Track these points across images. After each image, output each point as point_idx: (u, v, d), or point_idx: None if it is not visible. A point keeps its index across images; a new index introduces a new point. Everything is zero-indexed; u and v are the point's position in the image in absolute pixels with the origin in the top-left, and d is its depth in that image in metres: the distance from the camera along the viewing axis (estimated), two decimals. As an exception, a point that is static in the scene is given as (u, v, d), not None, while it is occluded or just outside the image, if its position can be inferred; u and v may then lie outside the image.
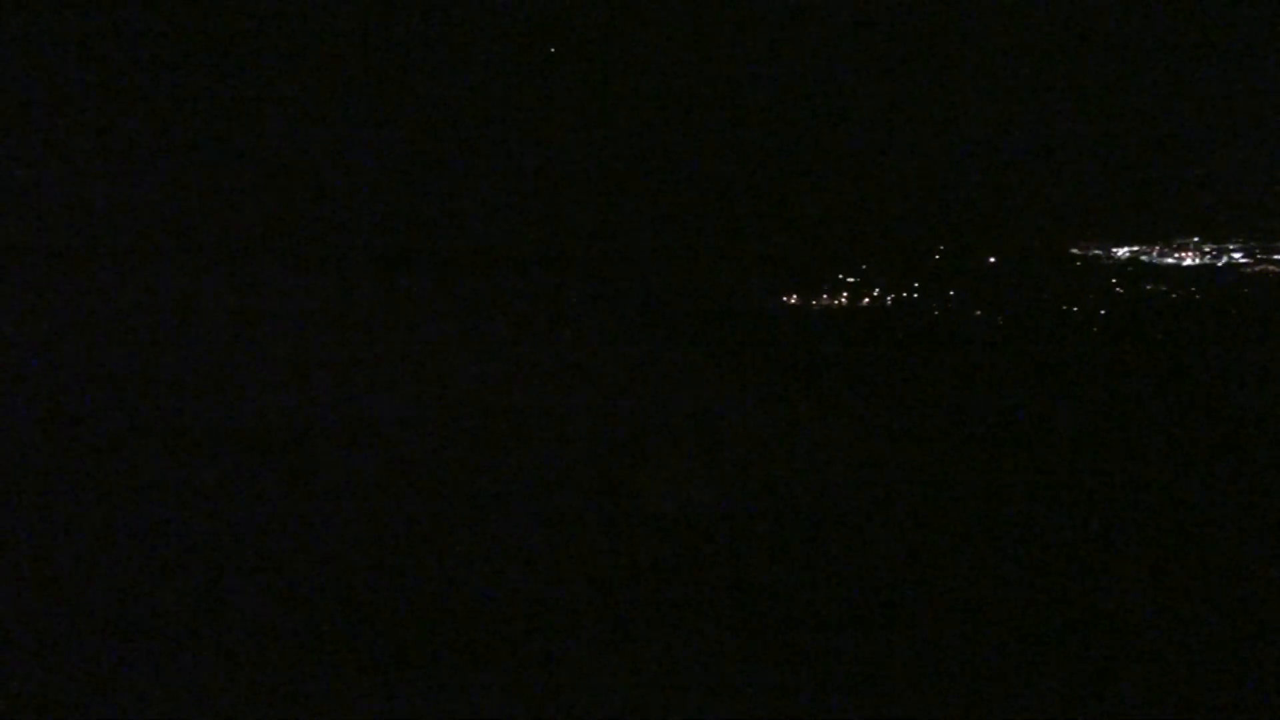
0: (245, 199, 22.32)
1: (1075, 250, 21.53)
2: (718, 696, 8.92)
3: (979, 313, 19.28)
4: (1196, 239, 21.20)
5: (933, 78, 25.55)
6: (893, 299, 19.49)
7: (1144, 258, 21.03)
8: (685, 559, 10.95)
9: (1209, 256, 20.89)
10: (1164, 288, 19.76)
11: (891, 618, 9.96)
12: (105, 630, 9.38)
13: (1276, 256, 20.84)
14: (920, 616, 9.99)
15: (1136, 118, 24.44)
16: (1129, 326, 18.73)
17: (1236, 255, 20.74)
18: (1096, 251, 21.38)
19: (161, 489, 11.92)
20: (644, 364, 16.78)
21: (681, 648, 9.49)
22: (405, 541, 11.21)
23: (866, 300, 19.45)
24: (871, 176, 24.19)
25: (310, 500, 11.84)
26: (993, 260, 21.54)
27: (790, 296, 19.52)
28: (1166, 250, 21.09)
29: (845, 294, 19.56)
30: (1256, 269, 20.49)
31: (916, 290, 19.74)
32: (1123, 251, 21.23)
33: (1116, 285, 19.94)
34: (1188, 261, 20.87)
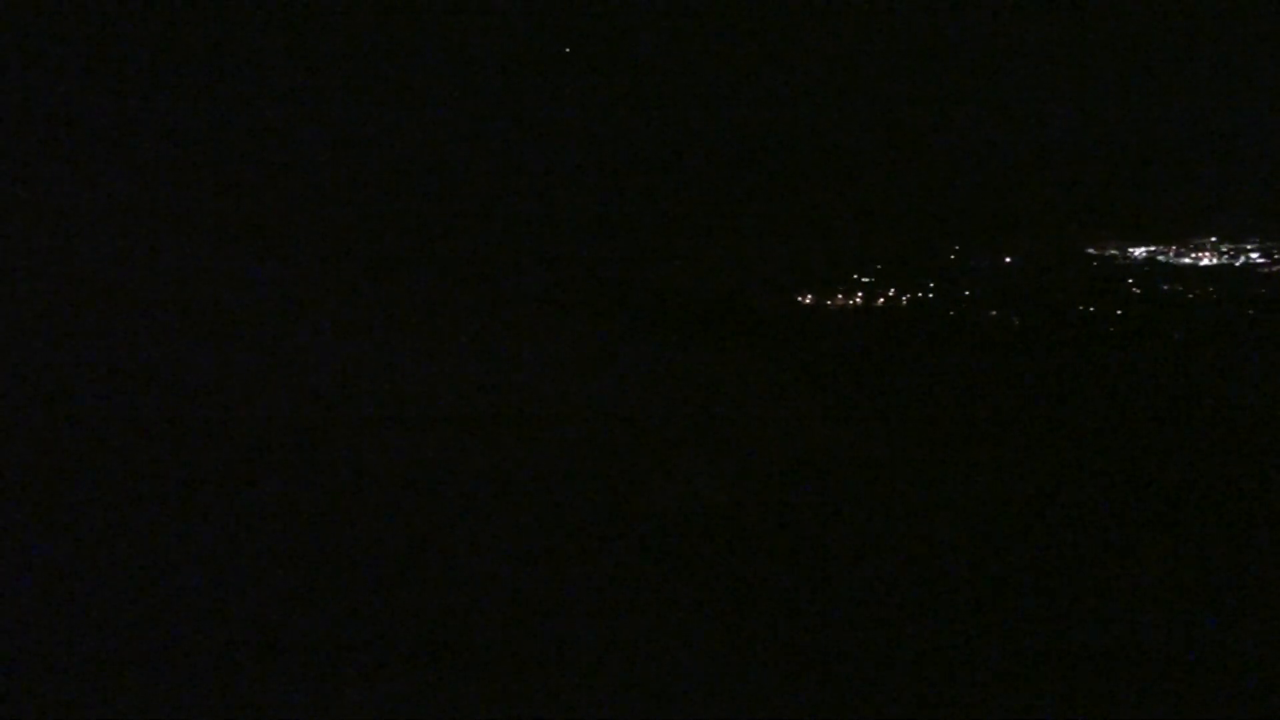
0: (246, 198, 22.45)
1: (1091, 250, 21.49)
2: (730, 693, 8.95)
3: (994, 313, 19.25)
4: (1214, 239, 21.14)
5: (948, 80, 25.53)
6: (907, 299, 19.48)
7: (1161, 258, 20.98)
8: (698, 556, 11.00)
9: (1226, 257, 20.83)
10: (1181, 288, 19.71)
11: (912, 615, 9.99)
12: (105, 631, 9.50)
13: (1294, 257, 20.78)
14: (942, 613, 10.02)
15: (1154, 119, 24.39)
16: (1146, 326, 18.68)
17: (1254, 255, 20.67)
18: (1113, 252, 21.34)
19: (161, 489, 12.01)
20: (660, 363, 16.82)
21: (694, 645, 9.54)
22: (416, 540, 11.27)
23: (881, 300, 19.45)
24: (887, 177, 24.20)
25: (315, 499, 11.92)
26: (1008, 260, 21.53)
27: (805, 296, 19.54)
28: (1183, 250, 21.04)
29: (860, 294, 19.56)
30: (1274, 269, 20.43)
31: (931, 290, 19.73)
32: (1139, 251, 21.19)
33: (1133, 285, 19.88)
34: (1205, 261, 20.81)
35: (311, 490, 12.35)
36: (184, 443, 13.33)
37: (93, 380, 14.90)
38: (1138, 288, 20.11)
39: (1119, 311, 19.08)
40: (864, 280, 20.28)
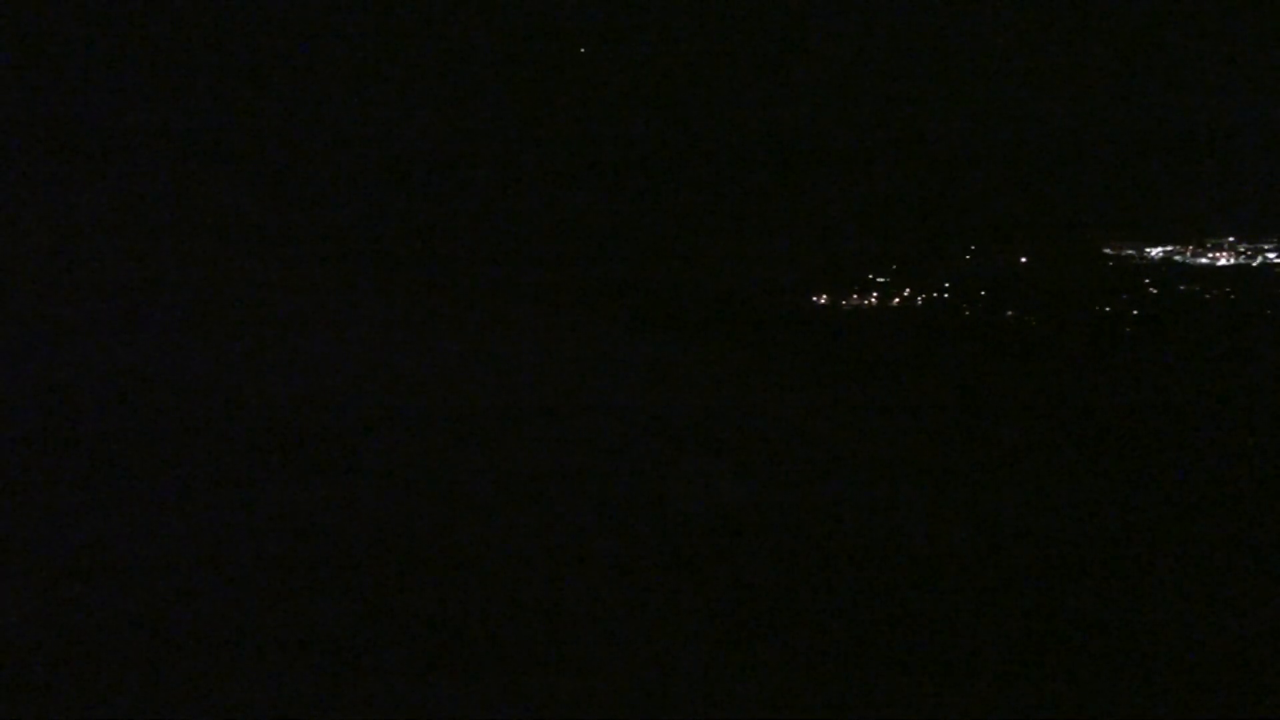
0: (247, 199, 22.51)
1: (1108, 250, 21.42)
2: (740, 692, 8.92)
3: (1010, 313, 19.19)
4: (1231, 239, 21.05)
5: (966, 82, 25.47)
6: (923, 299, 19.44)
7: (1178, 258, 20.90)
8: (711, 555, 10.97)
9: (1243, 257, 20.73)
10: (1198, 288, 19.62)
11: (931, 613, 9.95)
12: (108, 630, 9.47)
13: (1313, 257, 20.68)
14: (962, 610, 9.98)
15: (1170, 120, 24.29)
16: (1163, 327, 18.59)
17: (1271, 255, 20.58)
18: (1129, 252, 21.26)
19: (162, 488, 11.99)
20: (676, 363, 16.82)
21: (704, 643, 9.50)
22: (421, 539, 11.24)
23: (897, 300, 19.41)
24: (902, 178, 24.17)
25: (317, 499, 11.90)
26: (1024, 261, 21.47)
27: (820, 296, 19.51)
28: (1200, 250, 20.95)
29: (875, 294, 19.52)
30: (1292, 269, 20.36)
31: (947, 291, 19.68)
32: (1156, 252, 21.10)
33: (1150, 285, 19.80)
34: (1222, 262, 20.72)
35: (314, 489, 12.34)
36: (185, 442, 13.33)
37: (93, 380, 14.96)
38: (1154, 288, 20.00)
39: (1135, 312, 19.00)
40: (879, 280, 20.21)
